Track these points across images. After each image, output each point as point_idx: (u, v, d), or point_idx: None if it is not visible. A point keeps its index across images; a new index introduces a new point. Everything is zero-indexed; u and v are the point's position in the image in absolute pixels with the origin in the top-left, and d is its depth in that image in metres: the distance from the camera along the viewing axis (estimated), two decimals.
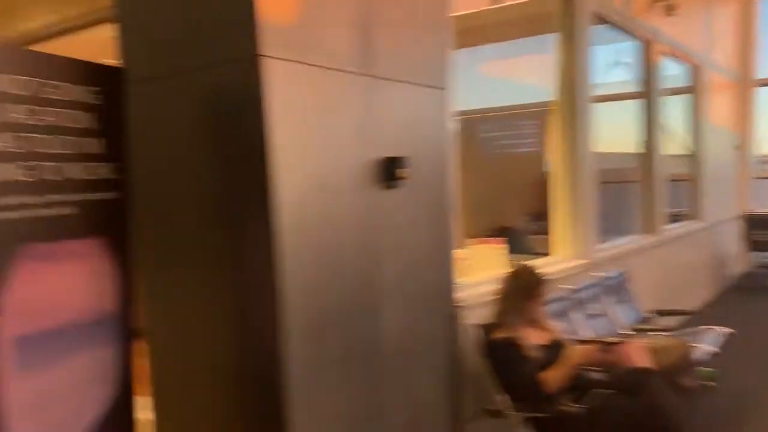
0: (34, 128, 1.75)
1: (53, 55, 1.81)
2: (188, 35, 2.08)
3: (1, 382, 1.65)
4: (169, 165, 2.17)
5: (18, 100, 1.70)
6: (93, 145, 1.94)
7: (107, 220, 1.99)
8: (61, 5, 4.41)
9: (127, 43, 2.24)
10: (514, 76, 6.97)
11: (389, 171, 2.30)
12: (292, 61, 2.01)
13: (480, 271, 3.58)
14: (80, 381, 1.89)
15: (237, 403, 2.11)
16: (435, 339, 2.66)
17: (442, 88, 2.66)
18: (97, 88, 1.95)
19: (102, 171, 1.97)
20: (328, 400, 2.14)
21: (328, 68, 2.15)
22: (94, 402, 1.94)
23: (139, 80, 2.11)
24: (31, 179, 1.74)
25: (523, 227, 5.95)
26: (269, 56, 1.92)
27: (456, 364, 2.78)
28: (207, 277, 2.12)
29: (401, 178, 2.30)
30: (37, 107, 1.75)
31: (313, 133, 2.10)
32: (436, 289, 2.69)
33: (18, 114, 1.70)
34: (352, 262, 2.23)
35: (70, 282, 1.87)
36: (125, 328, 2.05)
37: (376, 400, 2.34)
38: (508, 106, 6.59)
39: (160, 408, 2.25)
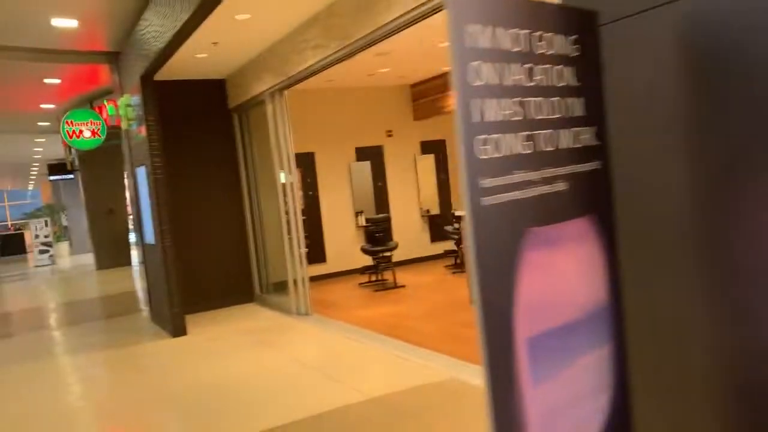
0: (529, 90, 1.47)
1: (540, 1, 1.51)
2: None
3: (519, 392, 1.41)
4: (646, 124, 1.76)
5: (516, 58, 1.44)
6: (576, 106, 1.62)
7: (593, 194, 1.66)
8: None
9: None
10: None
11: None
12: None
13: None
14: (584, 387, 1.60)
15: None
16: None
17: None
18: (574, 37, 1.62)
19: (585, 137, 1.64)
20: None
21: None
22: (597, 412, 1.64)
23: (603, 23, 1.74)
24: (529, 151, 1.47)
25: None
26: None
27: None
28: (704, 265, 1.66)
29: None
30: (531, 65, 1.48)
31: None
32: None
33: (517, 75, 1.44)
34: None
35: (569, 271, 1.58)
36: (619, 322, 1.71)
37: None
38: None
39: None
